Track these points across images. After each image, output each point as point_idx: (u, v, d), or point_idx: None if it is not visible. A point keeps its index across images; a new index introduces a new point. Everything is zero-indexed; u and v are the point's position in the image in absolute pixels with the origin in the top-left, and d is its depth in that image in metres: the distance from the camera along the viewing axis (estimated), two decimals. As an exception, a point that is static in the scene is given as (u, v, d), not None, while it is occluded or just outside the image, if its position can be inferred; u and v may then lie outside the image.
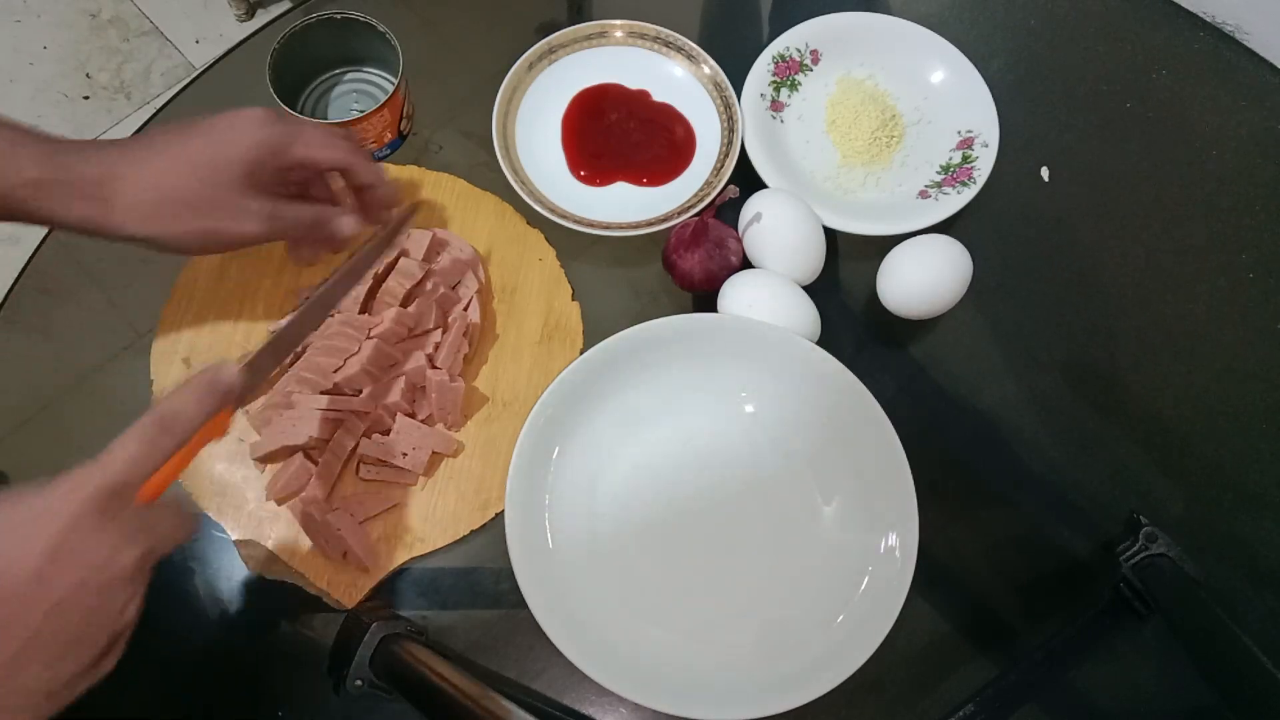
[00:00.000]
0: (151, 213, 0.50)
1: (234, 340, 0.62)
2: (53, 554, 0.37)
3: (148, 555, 0.40)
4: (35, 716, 0.37)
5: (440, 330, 0.61)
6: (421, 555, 0.58)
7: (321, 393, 0.58)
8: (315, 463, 0.58)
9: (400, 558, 0.58)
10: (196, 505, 0.58)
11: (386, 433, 0.59)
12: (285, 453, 0.58)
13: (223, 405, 0.43)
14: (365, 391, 0.58)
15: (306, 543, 0.57)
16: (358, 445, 0.58)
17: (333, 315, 0.60)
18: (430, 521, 0.59)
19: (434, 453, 0.60)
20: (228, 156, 0.51)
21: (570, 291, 0.65)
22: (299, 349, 0.59)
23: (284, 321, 0.60)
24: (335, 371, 0.58)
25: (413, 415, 0.60)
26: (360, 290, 0.60)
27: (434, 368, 0.60)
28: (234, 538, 0.58)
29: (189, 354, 0.62)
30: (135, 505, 0.40)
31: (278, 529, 0.58)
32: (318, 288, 0.58)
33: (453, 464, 0.60)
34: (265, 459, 0.59)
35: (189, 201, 0.51)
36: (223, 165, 0.51)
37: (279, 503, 0.58)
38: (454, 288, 0.63)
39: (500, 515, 0.59)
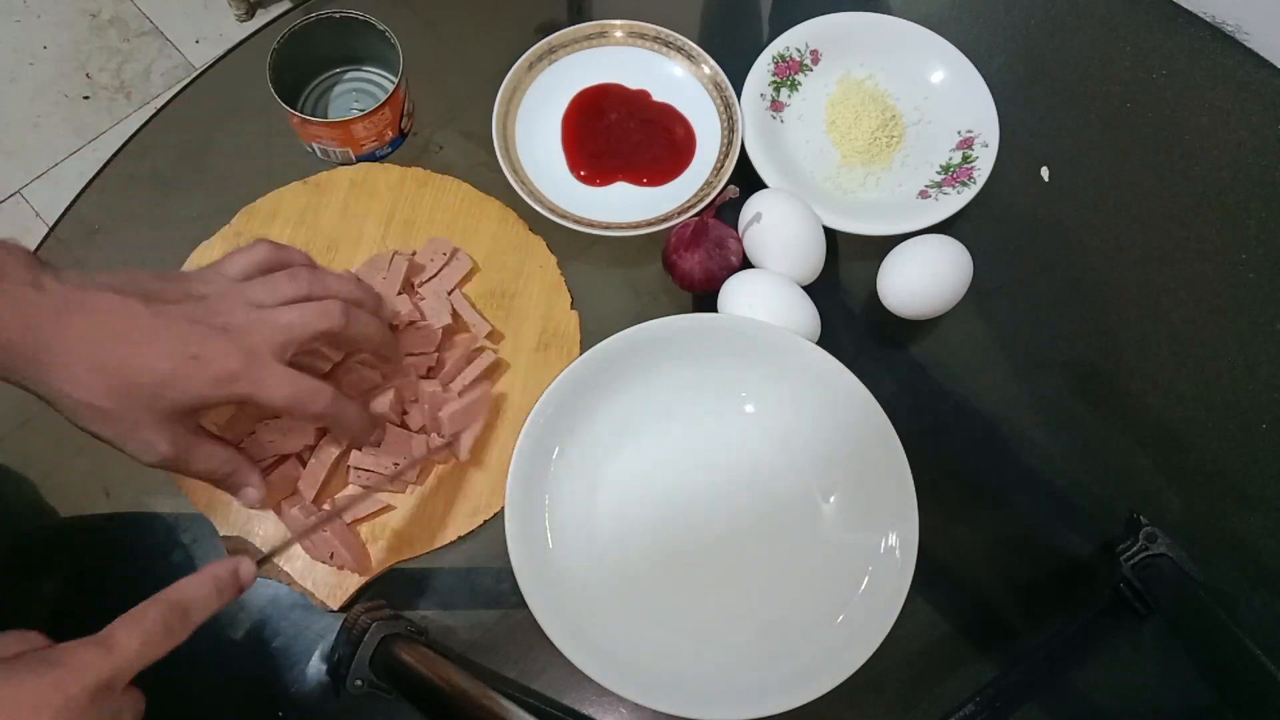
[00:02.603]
0: (66, 405, 0.45)
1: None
2: None
3: None
4: None
5: (437, 351, 0.61)
6: (408, 559, 0.58)
7: None
8: (303, 465, 0.58)
9: (386, 561, 0.58)
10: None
11: (378, 443, 0.58)
12: (277, 461, 0.58)
13: (237, 596, 0.44)
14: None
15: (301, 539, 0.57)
16: (346, 451, 0.58)
17: None
18: (419, 526, 0.59)
19: (430, 460, 0.59)
20: (162, 395, 0.45)
21: (569, 300, 0.65)
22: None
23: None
24: None
25: (405, 426, 0.59)
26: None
27: (426, 377, 0.60)
28: (221, 534, 0.58)
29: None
30: (123, 694, 0.39)
31: (265, 527, 0.58)
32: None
33: (443, 469, 0.60)
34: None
35: (103, 411, 0.45)
36: (152, 401, 0.45)
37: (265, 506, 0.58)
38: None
39: (493, 518, 0.59)
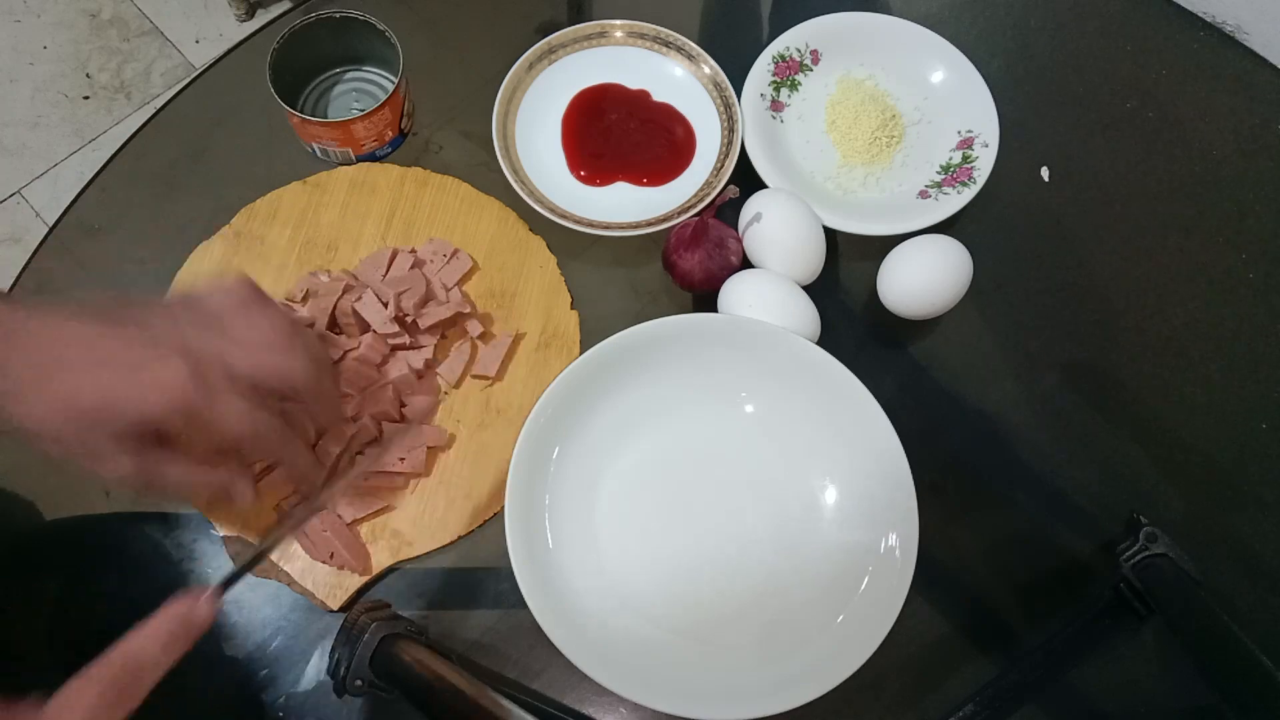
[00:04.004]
0: (21, 433, 0.44)
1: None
2: None
3: None
4: None
5: (433, 340, 0.61)
6: (408, 559, 0.58)
7: None
8: None
9: (385, 561, 0.58)
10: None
11: (376, 440, 0.58)
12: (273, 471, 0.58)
13: (193, 643, 0.40)
14: (351, 404, 0.58)
15: (293, 542, 0.57)
16: (344, 451, 0.58)
17: (309, 327, 0.60)
18: (419, 526, 0.59)
19: (429, 450, 0.60)
20: (107, 415, 0.43)
21: (569, 300, 0.65)
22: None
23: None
24: None
25: (402, 419, 0.59)
26: (329, 302, 0.60)
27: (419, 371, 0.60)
28: (222, 534, 0.58)
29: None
30: None
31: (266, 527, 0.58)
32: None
33: (444, 469, 0.60)
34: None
35: (56, 438, 0.44)
36: (99, 421, 0.43)
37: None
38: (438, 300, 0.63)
39: (493, 519, 0.59)
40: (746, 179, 0.66)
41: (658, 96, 0.71)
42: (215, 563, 0.58)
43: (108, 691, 0.37)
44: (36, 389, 0.43)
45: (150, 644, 0.39)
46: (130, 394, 0.43)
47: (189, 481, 0.48)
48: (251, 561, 0.48)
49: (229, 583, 0.45)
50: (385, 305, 0.60)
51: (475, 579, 0.59)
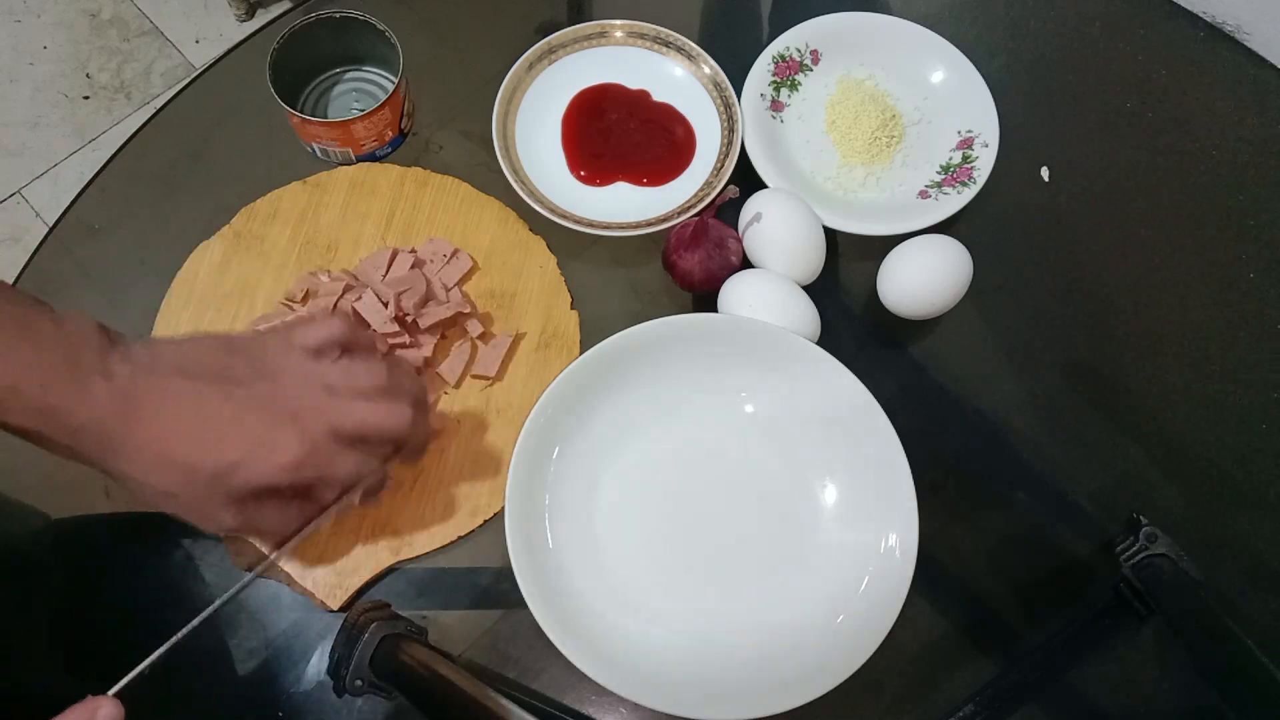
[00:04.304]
0: (130, 485, 0.46)
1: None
2: None
3: None
4: None
5: (433, 340, 0.61)
6: (408, 559, 0.58)
7: None
8: None
9: (385, 562, 0.58)
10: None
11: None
12: None
13: None
14: None
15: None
16: None
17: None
18: (419, 526, 0.59)
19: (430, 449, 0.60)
20: (229, 481, 0.46)
21: (569, 300, 0.65)
22: None
23: None
24: None
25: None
26: (329, 302, 0.60)
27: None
28: (221, 534, 0.58)
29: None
30: None
31: None
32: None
33: (443, 469, 0.60)
34: None
35: (168, 493, 0.46)
36: (217, 484, 0.46)
37: None
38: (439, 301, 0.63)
39: (493, 519, 0.59)
40: (746, 179, 0.66)
41: (658, 96, 0.71)
42: (215, 562, 0.58)
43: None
44: (155, 451, 0.45)
45: None
46: (252, 465, 0.45)
47: (280, 526, 0.50)
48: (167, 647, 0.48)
49: (131, 680, 0.45)
50: (385, 305, 0.60)
51: (475, 579, 0.59)
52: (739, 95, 0.69)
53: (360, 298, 0.60)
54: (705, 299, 0.64)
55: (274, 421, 0.46)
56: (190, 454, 0.45)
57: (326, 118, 0.68)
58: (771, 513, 0.60)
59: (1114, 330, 0.67)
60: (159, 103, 1.54)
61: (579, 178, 0.69)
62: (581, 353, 0.61)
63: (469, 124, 0.70)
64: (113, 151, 0.69)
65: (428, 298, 0.62)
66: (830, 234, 0.64)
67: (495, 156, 0.66)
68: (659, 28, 0.71)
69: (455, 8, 0.75)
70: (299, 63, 0.67)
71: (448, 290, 0.63)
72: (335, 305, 0.60)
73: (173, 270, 0.64)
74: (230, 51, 0.72)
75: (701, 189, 0.67)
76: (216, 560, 0.58)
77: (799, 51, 0.72)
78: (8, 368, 0.42)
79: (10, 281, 0.65)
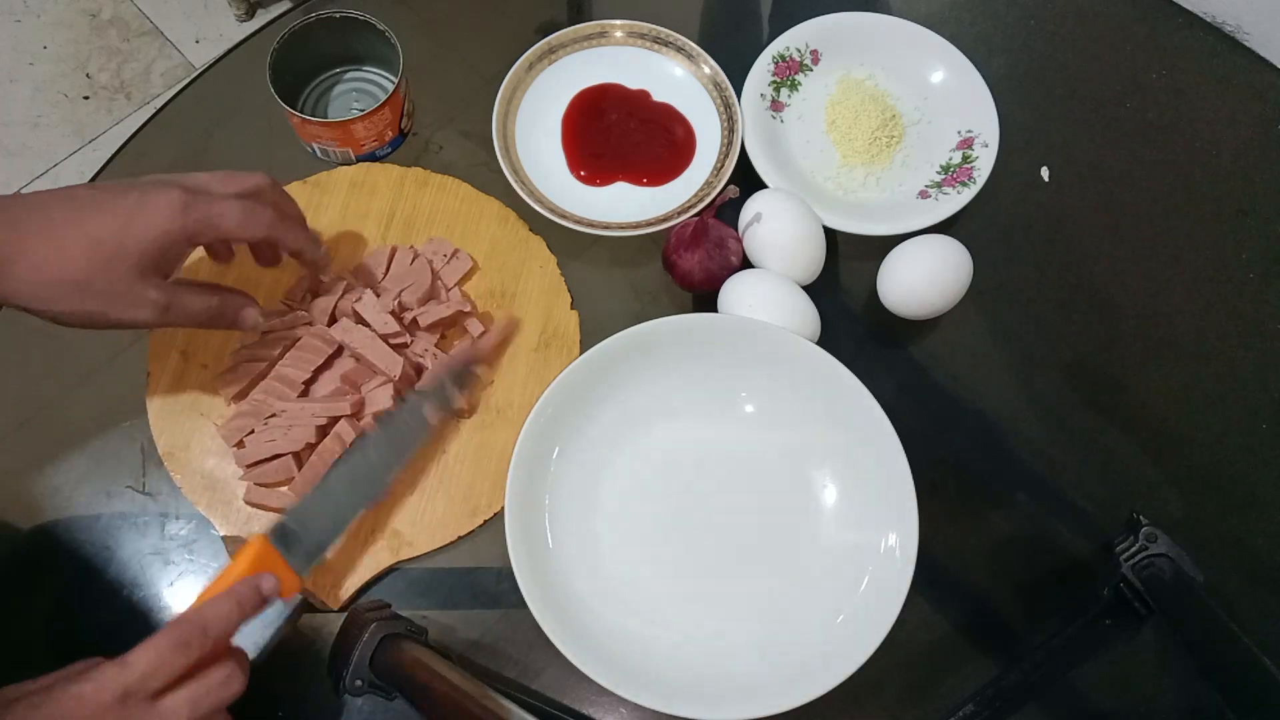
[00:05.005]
0: (40, 292, 0.48)
1: (232, 332, 0.62)
2: None
3: None
4: None
5: (434, 339, 0.61)
6: (408, 559, 0.58)
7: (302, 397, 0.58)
8: (300, 465, 0.58)
9: (385, 561, 0.58)
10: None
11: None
12: (272, 457, 0.58)
13: (260, 611, 0.48)
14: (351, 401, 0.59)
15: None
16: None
17: (307, 325, 0.60)
18: (418, 526, 0.59)
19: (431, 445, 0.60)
20: (126, 244, 0.48)
21: (569, 300, 0.65)
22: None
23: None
24: (304, 383, 0.59)
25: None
26: (330, 302, 0.60)
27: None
28: (221, 534, 0.58)
29: (186, 346, 0.62)
30: (150, 699, 0.43)
31: (265, 526, 0.58)
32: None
33: (443, 469, 0.60)
34: (254, 466, 0.58)
35: (79, 283, 0.48)
36: (120, 252, 0.48)
37: (257, 507, 0.58)
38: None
39: (493, 519, 0.59)
40: (746, 179, 0.66)
41: (658, 96, 0.71)
42: (215, 563, 0.58)
43: (172, 641, 0.44)
44: (47, 244, 0.47)
45: (220, 605, 0.46)
46: (139, 222, 0.48)
47: (208, 305, 0.53)
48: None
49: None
50: (387, 305, 0.60)
51: (475, 579, 0.59)
52: (739, 95, 0.69)
53: (360, 298, 0.60)
54: (705, 299, 0.64)
55: (146, 187, 0.50)
56: (83, 233, 0.48)
57: (326, 118, 0.68)
58: (771, 513, 0.60)
59: (1114, 330, 0.67)
60: (159, 103, 1.54)
61: (579, 178, 0.69)
62: (581, 353, 0.61)
63: (469, 124, 0.70)
64: (113, 151, 0.69)
65: (431, 294, 0.62)
66: (830, 234, 0.64)
67: (495, 156, 0.66)
68: (659, 28, 0.71)
69: (455, 8, 0.75)
70: (299, 63, 0.67)
71: (448, 290, 0.63)
72: (335, 305, 0.60)
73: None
74: (230, 51, 0.72)
75: (701, 189, 0.67)
76: (217, 560, 0.58)
77: (799, 51, 0.72)
78: None
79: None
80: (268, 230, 0.53)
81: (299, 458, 0.58)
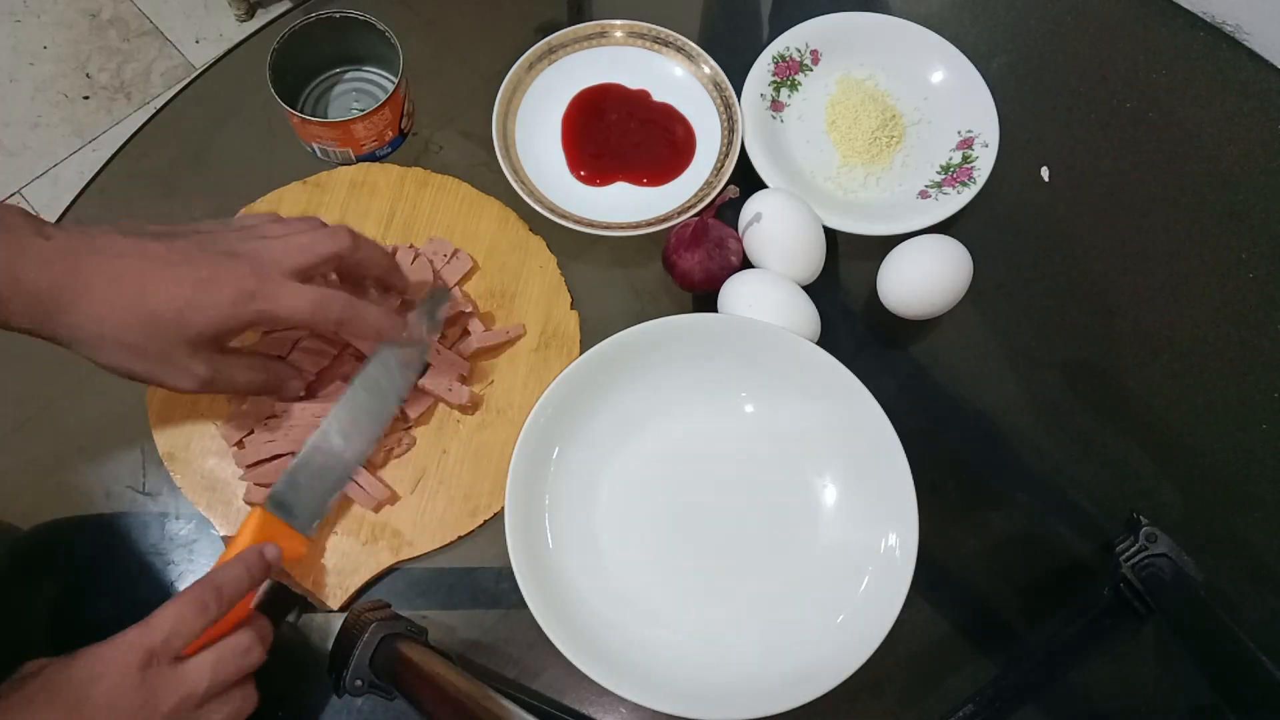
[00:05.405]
0: (92, 342, 0.48)
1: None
2: (101, 710, 0.43)
3: (184, 702, 0.45)
4: None
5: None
6: (408, 559, 0.58)
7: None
8: None
9: (385, 561, 0.58)
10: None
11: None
12: (276, 460, 0.58)
13: (269, 575, 0.50)
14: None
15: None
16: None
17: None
18: (419, 526, 0.59)
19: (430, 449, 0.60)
20: (185, 321, 0.48)
21: (569, 300, 0.65)
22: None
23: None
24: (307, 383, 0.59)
25: (405, 415, 0.60)
26: None
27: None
28: (221, 534, 0.58)
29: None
30: (172, 662, 0.45)
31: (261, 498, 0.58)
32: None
33: (443, 469, 0.60)
34: (254, 466, 0.58)
35: (131, 347, 0.48)
36: (178, 327, 0.48)
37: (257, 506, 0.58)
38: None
39: (493, 519, 0.59)
40: (746, 179, 0.66)
41: (658, 96, 0.71)
42: (215, 563, 0.58)
43: (192, 602, 0.46)
44: (108, 299, 0.47)
45: (232, 568, 0.48)
46: (205, 300, 0.48)
47: (251, 380, 0.54)
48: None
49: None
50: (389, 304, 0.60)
51: (475, 579, 0.59)
52: (739, 95, 0.69)
53: None
54: (705, 299, 0.64)
55: (217, 259, 0.48)
56: (143, 296, 0.47)
57: (326, 118, 0.68)
58: (771, 513, 0.60)
59: (1114, 330, 0.67)
60: (159, 103, 1.54)
61: (579, 178, 0.69)
62: (581, 353, 0.61)
63: (469, 124, 0.70)
64: (113, 151, 0.69)
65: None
66: (830, 234, 0.64)
67: (495, 156, 0.66)
68: (659, 28, 0.71)
69: (455, 8, 0.75)
70: (299, 63, 0.67)
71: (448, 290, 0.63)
72: None
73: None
74: (230, 51, 0.72)
75: (701, 189, 0.67)
76: (212, 559, 0.58)
77: (799, 51, 0.72)
78: None
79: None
80: (337, 324, 0.51)
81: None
